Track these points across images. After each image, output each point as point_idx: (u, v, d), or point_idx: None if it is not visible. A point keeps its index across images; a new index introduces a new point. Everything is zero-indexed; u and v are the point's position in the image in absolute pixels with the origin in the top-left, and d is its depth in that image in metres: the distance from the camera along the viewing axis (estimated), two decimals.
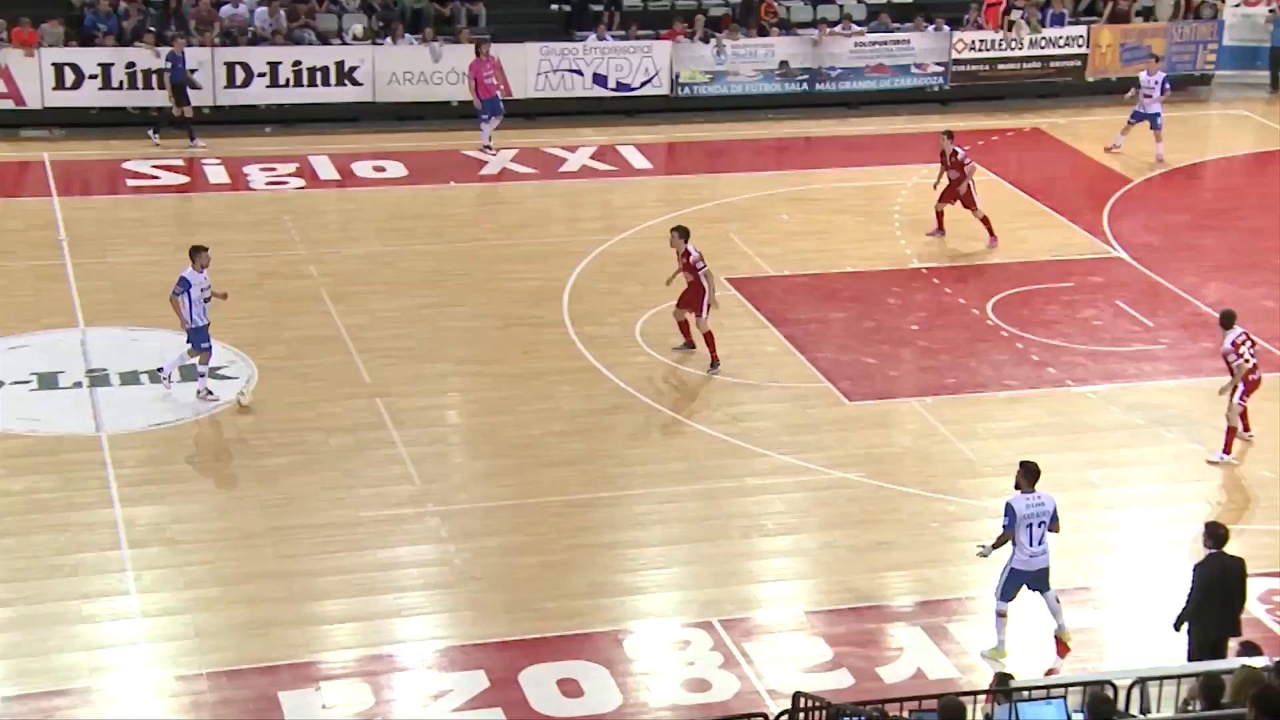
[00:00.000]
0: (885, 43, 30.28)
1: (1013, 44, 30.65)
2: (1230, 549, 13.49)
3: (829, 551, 15.94)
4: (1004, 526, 14.02)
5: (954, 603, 15.08)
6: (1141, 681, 11.83)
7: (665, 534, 16.19)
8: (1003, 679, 11.92)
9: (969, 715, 10.77)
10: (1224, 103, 30.90)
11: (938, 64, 30.38)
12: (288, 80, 28.04)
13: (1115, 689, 11.22)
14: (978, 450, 17.76)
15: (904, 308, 21.52)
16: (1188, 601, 13.50)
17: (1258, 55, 31.75)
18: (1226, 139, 29.15)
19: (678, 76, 29.47)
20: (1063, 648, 14.26)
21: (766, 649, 14.31)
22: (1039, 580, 14.14)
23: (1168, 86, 26.67)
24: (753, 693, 13.58)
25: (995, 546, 14.10)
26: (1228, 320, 17.68)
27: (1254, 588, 13.96)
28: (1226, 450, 17.58)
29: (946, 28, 30.64)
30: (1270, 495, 17.01)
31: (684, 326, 19.67)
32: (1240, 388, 17.47)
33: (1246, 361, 17.46)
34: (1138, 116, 26.98)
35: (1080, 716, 10.81)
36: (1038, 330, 20.75)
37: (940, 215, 23.68)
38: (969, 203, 23.40)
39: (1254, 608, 14.20)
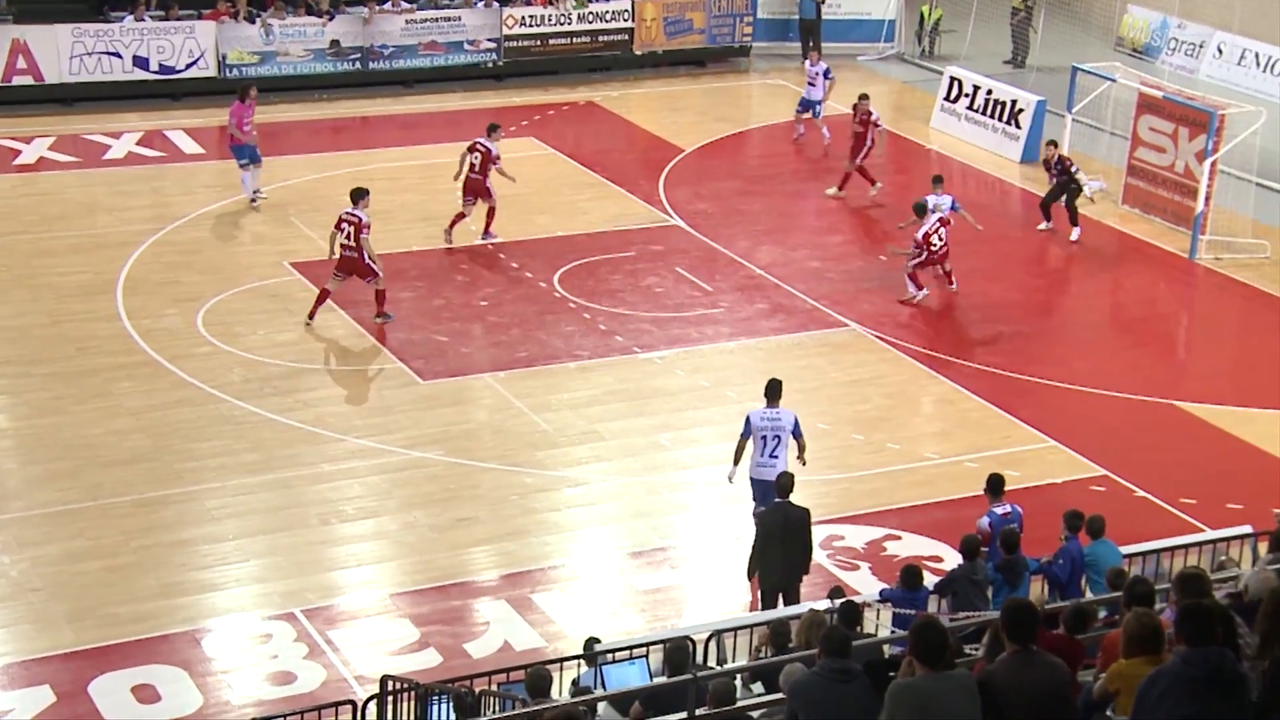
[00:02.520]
0: (436, 20, 30.27)
1: (561, 19, 31.12)
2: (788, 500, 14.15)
3: (410, 532, 15.88)
4: (740, 436, 15.15)
5: (537, 573, 15.29)
6: (717, 634, 12.30)
7: (240, 527, 15.78)
8: (589, 643, 12.15)
9: (556, 683, 10.99)
10: (762, 73, 32.20)
11: (490, 40, 30.56)
12: None
13: (694, 643, 11.58)
14: (552, 421, 18.02)
15: (472, 284, 21.62)
16: (752, 549, 14.14)
17: (789, 27, 33.29)
18: (766, 108, 30.39)
19: (225, 58, 28.69)
20: None
21: (352, 635, 14.17)
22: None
23: (830, 76, 27.09)
24: (340, 680, 13.43)
25: (736, 458, 15.17)
26: (921, 208, 21.50)
27: (816, 535, 14.65)
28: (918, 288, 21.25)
29: (496, 4, 30.83)
30: (826, 446, 17.90)
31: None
32: (919, 256, 21.21)
33: (934, 246, 21.14)
34: (804, 105, 27.43)
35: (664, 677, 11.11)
36: (604, 300, 21.20)
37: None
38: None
39: (816, 554, 14.89)
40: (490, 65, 30.58)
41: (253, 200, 23.79)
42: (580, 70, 31.18)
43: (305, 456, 17.05)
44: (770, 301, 21.45)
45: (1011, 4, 33.12)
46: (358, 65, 29.62)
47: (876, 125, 25.00)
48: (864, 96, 25.36)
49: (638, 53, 31.76)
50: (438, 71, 30.15)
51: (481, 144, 22.54)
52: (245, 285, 21.02)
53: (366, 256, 19.76)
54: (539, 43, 31.03)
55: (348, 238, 19.77)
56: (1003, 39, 33.10)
